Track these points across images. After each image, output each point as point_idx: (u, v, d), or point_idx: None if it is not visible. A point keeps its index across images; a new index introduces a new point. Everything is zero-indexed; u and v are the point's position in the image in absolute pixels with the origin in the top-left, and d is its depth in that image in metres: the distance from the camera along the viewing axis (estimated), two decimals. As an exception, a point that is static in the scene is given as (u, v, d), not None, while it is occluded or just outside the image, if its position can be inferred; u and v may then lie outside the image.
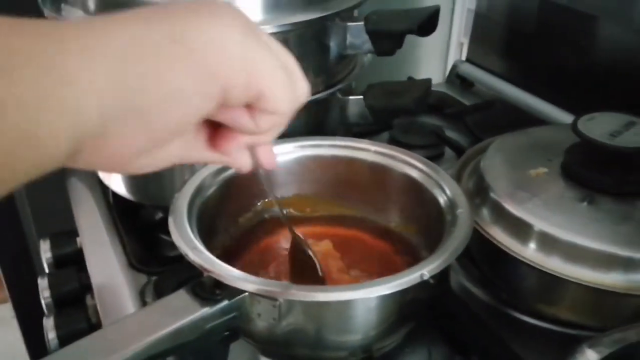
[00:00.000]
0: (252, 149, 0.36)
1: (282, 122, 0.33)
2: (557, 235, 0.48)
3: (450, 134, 0.80)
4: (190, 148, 0.33)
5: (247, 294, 0.39)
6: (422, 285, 0.39)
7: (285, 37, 0.59)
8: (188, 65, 0.28)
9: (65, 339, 0.58)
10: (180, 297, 0.39)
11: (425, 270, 0.39)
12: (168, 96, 0.27)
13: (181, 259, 0.58)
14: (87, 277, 0.62)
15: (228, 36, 0.29)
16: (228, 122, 0.32)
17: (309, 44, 0.62)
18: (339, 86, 0.66)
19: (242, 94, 0.30)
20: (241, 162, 0.36)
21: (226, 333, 0.42)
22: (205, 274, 0.40)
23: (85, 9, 0.60)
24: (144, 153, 0.29)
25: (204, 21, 0.28)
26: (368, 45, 0.63)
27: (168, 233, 0.43)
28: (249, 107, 0.31)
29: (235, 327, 0.42)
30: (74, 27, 0.25)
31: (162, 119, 0.28)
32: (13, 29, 0.24)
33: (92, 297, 0.62)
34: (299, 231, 0.53)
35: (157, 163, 0.31)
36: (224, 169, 0.50)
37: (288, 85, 0.32)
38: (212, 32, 0.28)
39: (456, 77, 0.96)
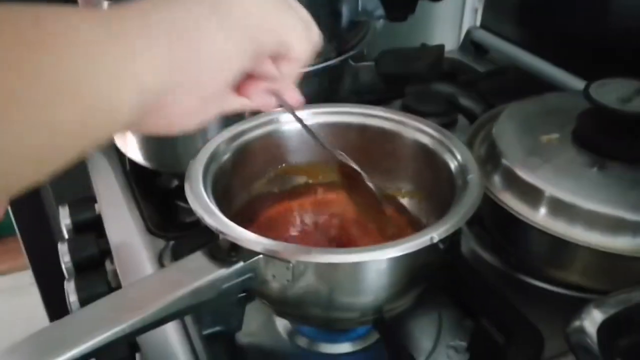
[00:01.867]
0: (277, 94, 0.40)
1: (300, 67, 0.38)
2: (568, 201, 0.49)
3: (464, 101, 0.79)
4: (225, 100, 0.36)
5: (261, 256, 0.40)
6: (432, 248, 0.40)
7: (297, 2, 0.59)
8: (227, 32, 0.32)
9: (86, 302, 0.60)
10: (197, 259, 0.40)
11: (434, 234, 0.40)
12: (214, 62, 0.32)
13: (197, 224, 0.60)
14: (106, 243, 0.63)
15: (256, 2, 0.34)
16: (256, 71, 0.36)
17: (321, 10, 0.61)
18: (351, 53, 0.66)
19: (273, 49, 0.35)
20: (266, 103, 0.40)
21: (242, 294, 0.43)
22: (221, 236, 0.41)
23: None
24: (194, 112, 0.34)
25: None
26: (380, 10, 0.63)
27: (184, 199, 0.45)
28: (273, 57, 0.36)
29: (251, 289, 0.43)
30: (130, 11, 0.29)
31: (210, 81, 0.33)
32: (81, 14, 0.27)
33: (112, 262, 0.64)
34: (312, 197, 0.54)
35: (204, 117, 0.35)
36: (238, 135, 0.51)
37: (307, 37, 0.37)
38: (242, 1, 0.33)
39: (470, 44, 0.95)
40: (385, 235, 0.49)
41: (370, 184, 0.48)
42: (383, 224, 0.50)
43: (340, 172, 0.49)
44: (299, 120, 0.46)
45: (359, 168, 0.48)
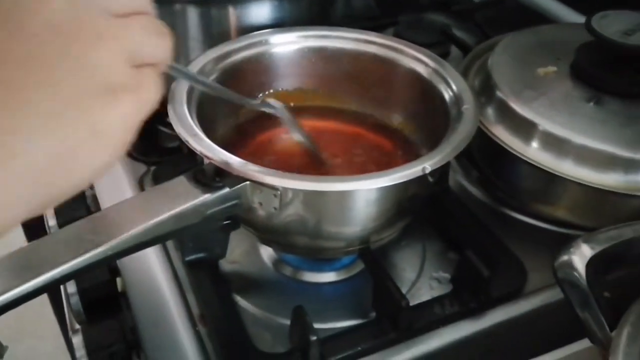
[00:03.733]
0: None
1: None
2: (560, 135, 0.48)
3: (458, 32, 0.77)
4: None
5: (248, 182, 0.39)
6: (422, 179, 0.39)
7: None
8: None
9: (65, 225, 0.59)
10: (181, 183, 0.39)
11: (427, 164, 0.39)
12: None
13: (180, 149, 0.58)
14: (86, 167, 0.62)
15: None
16: None
17: None
18: (345, -25, 0.63)
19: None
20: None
21: (226, 221, 0.42)
22: (207, 161, 0.39)
23: None
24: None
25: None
26: None
27: (166, 124, 0.43)
28: None
29: (236, 215, 0.42)
30: None
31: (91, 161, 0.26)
32: None
33: (91, 187, 0.62)
34: (301, 123, 0.52)
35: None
36: (225, 56, 0.49)
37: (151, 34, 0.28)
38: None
39: (466, -27, 0.92)
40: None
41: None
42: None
43: None
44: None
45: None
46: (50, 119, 0.24)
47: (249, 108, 0.48)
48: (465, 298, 0.45)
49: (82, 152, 0.25)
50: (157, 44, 0.29)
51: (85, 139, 0.25)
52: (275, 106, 0.48)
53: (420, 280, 0.49)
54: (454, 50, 0.75)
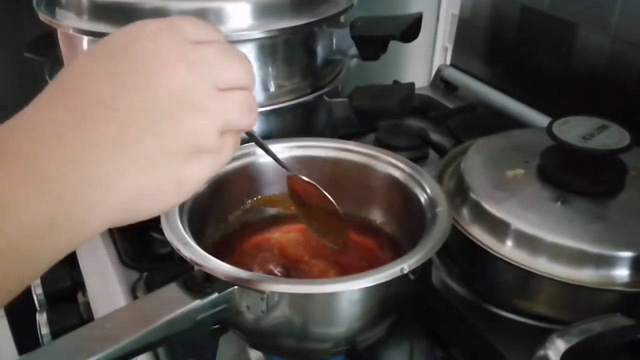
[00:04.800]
0: None
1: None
2: (532, 233, 0.50)
3: (434, 136, 0.82)
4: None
5: (236, 287, 0.41)
6: (402, 279, 0.41)
7: (274, 42, 0.61)
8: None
9: (58, 334, 0.59)
10: (172, 290, 0.41)
11: (405, 265, 0.41)
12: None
13: (171, 256, 0.60)
14: (79, 275, 0.63)
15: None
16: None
17: (296, 49, 0.64)
18: (326, 89, 0.68)
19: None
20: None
21: (216, 326, 0.44)
22: (196, 268, 0.41)
23: (78, 13, 0.62)
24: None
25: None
26: (354, 50, 0.65)
27: (158, 231, 0.45)
28: None
29: (225, 320, 0.43)
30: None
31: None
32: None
33: (84, 294, 0.64)
34: (286, 229, 0.55)
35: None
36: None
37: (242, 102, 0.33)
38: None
39: (440, 81, 0.99)
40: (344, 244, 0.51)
41: (325, 192, 0.48)
42: (342, 233, 0.50)
43: (293, 188, 0.50)
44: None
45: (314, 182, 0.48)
46: (147, 163, 0.30)
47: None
48: (452, 396, 0.46)
49: (162, 195, 0.31)
50: (247, 119, 0.34)
51: (168, 185, 0.31)
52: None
53: (408, 379, 0.50)
54: (432, 153, 0.79)
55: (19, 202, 0.26)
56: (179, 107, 0.30)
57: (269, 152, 0.45)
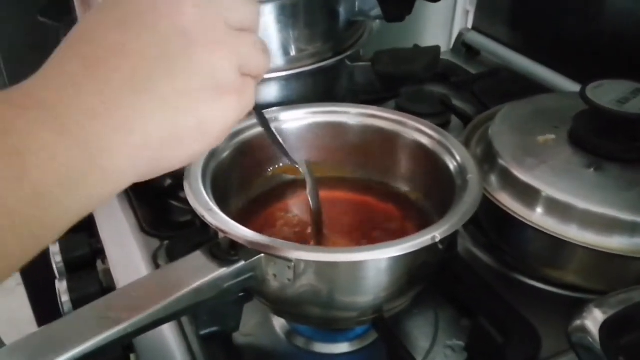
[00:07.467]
0: None
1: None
2: (564, 200, 0.49)
3: (457, 102, 0.80)
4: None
5: (262, 255, 0.40)
6: (431, 248, 0.40)
7: (295, 3, 0.59)
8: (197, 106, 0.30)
9: (78, 301, 0.59)
10: (198, 258, 0.40)
11: (436, 233, 0.40)
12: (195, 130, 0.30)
13: (192, 224, 0.59)
14: (98, 242, 0.63)
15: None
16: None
17: (318, 10, 0.62)
18: (348, 53, 0.66)
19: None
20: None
21: (241, 294, 0.43)
22: (221, 235, 0.40)
23: None
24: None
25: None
26: (377, 11, 0.63)
27: (178, 199, 0.44)
28: None
29: (250, 288, 0.43)
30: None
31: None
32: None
33: (103, 262, 0.63)
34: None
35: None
36: (237, 133, 0.51)
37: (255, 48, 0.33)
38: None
39: (462, 46, 0.96)
40: None
41: (309, 197, 0.48)
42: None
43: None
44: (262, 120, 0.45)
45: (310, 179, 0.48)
46: (167, 105, 0.29)
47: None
48: (480, 366, 0.45)
49: (187, 139, 0.30)
50: (262, 60, 0.33)
51: (192, 128, 0.30)
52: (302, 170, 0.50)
53: (434, 349, 0.49)
54: (454, 120, 0.77)
55: (45, 150, 0.25)
56: (191, 43, 0.29)
57: (273, 137, 0.44)
